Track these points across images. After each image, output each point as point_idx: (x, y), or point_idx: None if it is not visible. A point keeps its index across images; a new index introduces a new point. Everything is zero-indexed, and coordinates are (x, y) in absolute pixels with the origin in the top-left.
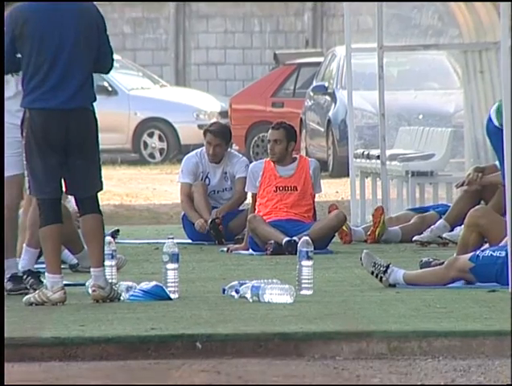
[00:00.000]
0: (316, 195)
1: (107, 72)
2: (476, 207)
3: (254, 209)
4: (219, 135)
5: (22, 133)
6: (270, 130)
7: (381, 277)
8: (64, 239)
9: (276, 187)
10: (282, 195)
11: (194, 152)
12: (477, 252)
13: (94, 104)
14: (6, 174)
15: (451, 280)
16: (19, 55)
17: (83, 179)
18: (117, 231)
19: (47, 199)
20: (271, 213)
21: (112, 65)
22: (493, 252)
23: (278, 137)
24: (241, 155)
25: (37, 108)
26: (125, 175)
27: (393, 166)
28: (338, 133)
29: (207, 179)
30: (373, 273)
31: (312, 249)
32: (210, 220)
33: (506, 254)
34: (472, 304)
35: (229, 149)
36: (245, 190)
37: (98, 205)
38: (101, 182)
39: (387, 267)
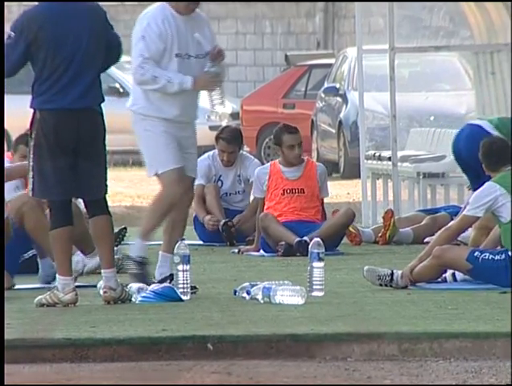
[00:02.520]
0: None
1: (118, 60)
2: (441, 248)
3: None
4: (232, 142)
5: (31, 135)
6: (288, 135)
7: (391, 286)
8: (75, 238)
9: (283, 190)
10: (290, 198)
11: (206, 154)
12: (475, 253)
13: (105, 105)
14: (162, 170)
15: (443, 270)
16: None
17: (91, 182)
18: (125, 229)
19: (57, 201)
20: (281, 216)
21: (121, 51)
22: (494, 255)
23: (300, 140)
24: (253, 157)
25: (48, 108)
26: (136, 177)
27: (404, 168)
28: (349, 135)
29: (219, 182)
30: (381, 285)
31: (324, 251)
32: (222, 222)
33: (506, 257)
34: (484, 305)
35: (241, 151)
36: (252, 194)
37: (107, 206)
38: (107, 185)
39: (391, 274)
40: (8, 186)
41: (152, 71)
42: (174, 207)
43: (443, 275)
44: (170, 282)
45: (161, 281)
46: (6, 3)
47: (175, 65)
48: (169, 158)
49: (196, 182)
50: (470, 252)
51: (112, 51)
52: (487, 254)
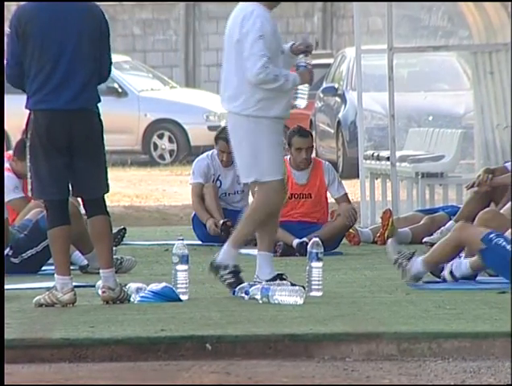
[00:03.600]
0: (329, 197)
1: (104, 81)
2: (486, 209)
3: None
4: None
5: (26, 135)
6: (297, 138)
7: (403, 265)
8: (74, 238)
9: (291, 194)
10: (297, 203)
11: (205, 154)
12: (491, 235)
13: (103, 105)
14: (269, 178)
15: (460, 248)
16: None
17: (88, 182)
18: (124, 229)
19: (54, 201)
20: (284, 217)
21: (109, 74)
22: (508, 244)
23: (310, 144)
24: None
25: (41, 109)
26: (135, 177)
27: (403, 168)
28: (348, 135)
29: (218, 182)
30: (396, 261)
31: (322, 251)
32: (221, 222)
33: None
34: (483, 305)
35: None
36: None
37: (105, 206)
38: (107, 185)
39: (412, 255)
40: (7, 185)
41: (273, 70)
42: (272, 216)
43: (453, 261)
44: (280, 280)
45: (272, 280)
46: (5, 3)
47: (281, 62)
48: (278, 168)
49: (195, 181)
50: (487, 233)
51: (101, 68)
52: (502, 240)
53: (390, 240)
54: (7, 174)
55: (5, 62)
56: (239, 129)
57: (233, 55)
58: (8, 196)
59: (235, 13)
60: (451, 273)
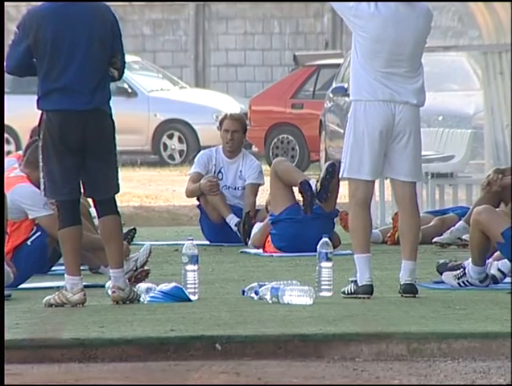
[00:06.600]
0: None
1: (118, 79)
2: (483, 206)
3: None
4: (237, 120)
5: (39, 135)
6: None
7: (467, 283)
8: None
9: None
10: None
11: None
12: None
13: (113, 105)
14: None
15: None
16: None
17: (100, 181)
18: (134, 229)
19: (65, 201)
20: None
21: (123, 72)
22: None
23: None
24: (255, 159)
25: (54, 109)
26: (144, 177)
27: None
28: None
29: (220, 174)
30: (459, 284)
31: (332, 251)
32: (244, 214)
33: None
34: (492, 305)
35: (243, 150)
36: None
37: (116, 206)
38: (118, 185)
39: (463, 271)
40: (36, 201)
41: None
42: (361, 209)
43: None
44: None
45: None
46: (14, 3)
47: None
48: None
49: (193, 171)
50: (509, 228)
51: (113, 66)
52: None
53: (443, 275)
54: (33, 189)
55: (5, 56)
56: (418, 122)
57: (415, 50)
58: (37, 213)
59: (405, 13)
60: (499, 269)
